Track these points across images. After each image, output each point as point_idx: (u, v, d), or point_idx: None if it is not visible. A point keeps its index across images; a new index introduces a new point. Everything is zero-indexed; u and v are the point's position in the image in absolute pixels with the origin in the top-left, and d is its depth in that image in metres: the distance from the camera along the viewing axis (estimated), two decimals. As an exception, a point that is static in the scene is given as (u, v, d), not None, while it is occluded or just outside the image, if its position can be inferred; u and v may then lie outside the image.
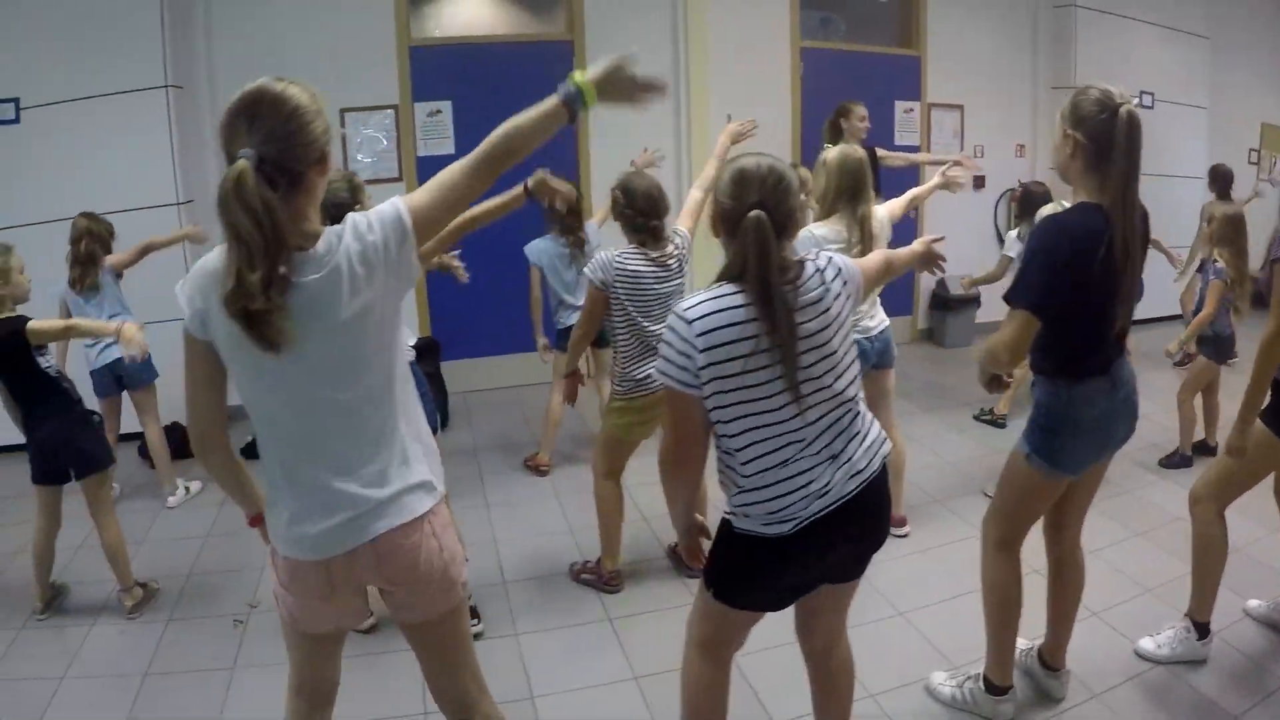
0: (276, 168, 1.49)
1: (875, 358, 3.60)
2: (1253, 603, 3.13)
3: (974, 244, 6.83)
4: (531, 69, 5.72)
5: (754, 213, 1.76)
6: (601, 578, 3.53)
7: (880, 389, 3.67)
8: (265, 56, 5.14)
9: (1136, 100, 2.15)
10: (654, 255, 3.21)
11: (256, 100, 1.52)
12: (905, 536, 3.87)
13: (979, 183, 6.97)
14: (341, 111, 5.47)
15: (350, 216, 1.61)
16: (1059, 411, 2.31)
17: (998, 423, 5.09)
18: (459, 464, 4.81)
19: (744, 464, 1.85)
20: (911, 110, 6.78)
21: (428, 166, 5.64)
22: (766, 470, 1.84)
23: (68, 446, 3.41)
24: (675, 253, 3.27)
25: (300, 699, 2.01)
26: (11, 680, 3.19)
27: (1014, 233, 4.91)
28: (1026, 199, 4.80)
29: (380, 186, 5.59)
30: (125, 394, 4.47)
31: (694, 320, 1.76)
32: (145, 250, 4.40)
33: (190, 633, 3.47)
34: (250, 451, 1.90)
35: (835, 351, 1.85)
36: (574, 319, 4.27)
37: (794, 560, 1.89)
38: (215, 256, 1.57)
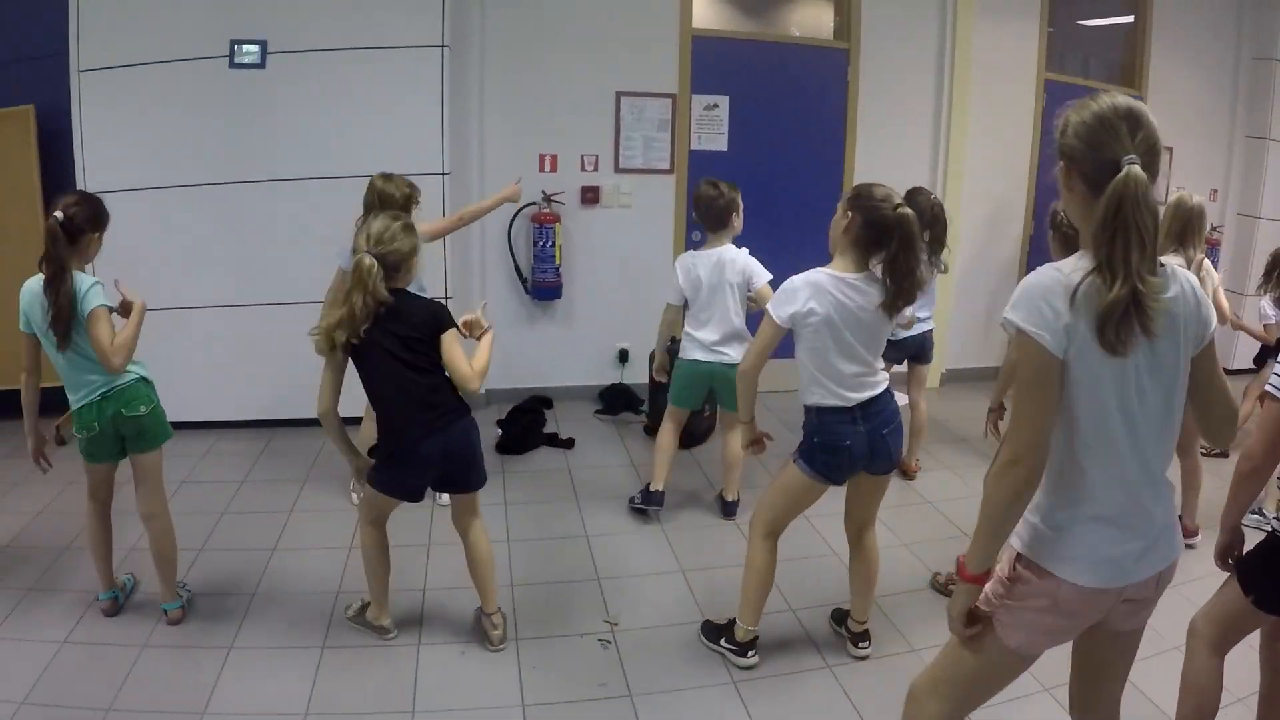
0: (1151, 175, 1.52)
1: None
2: None
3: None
4: (806, 73, 5.47)
5: None
6: None
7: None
8: (541, 25, 4.75)
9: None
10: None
11: (1138, 111, 1.55)
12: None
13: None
14: (618, 94, 5.04)
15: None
16: None
17: None
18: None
19: None
20: (1133, 148, 6.59)
21: (699, 162, 5.24)
22: None
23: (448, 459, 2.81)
24: None
25: None
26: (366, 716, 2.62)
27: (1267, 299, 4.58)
28: None
29: (649, 177, 5.16)
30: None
31: None
32: (461, 220, 3.93)
33: (553, 657, 2.94)
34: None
35: None
36: None
37: None
38: (1051, 273, 1.57)
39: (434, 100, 4.49)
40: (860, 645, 3.00)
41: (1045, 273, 1.58)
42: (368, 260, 2.56)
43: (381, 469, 2.78)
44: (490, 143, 4.81)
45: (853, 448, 2.65)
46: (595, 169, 5.05)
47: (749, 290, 3.65)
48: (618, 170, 5.10)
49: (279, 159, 4.35)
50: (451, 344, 2.68)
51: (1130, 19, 6.75)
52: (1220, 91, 7.17)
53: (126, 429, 2.83)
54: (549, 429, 4.80)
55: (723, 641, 2.97)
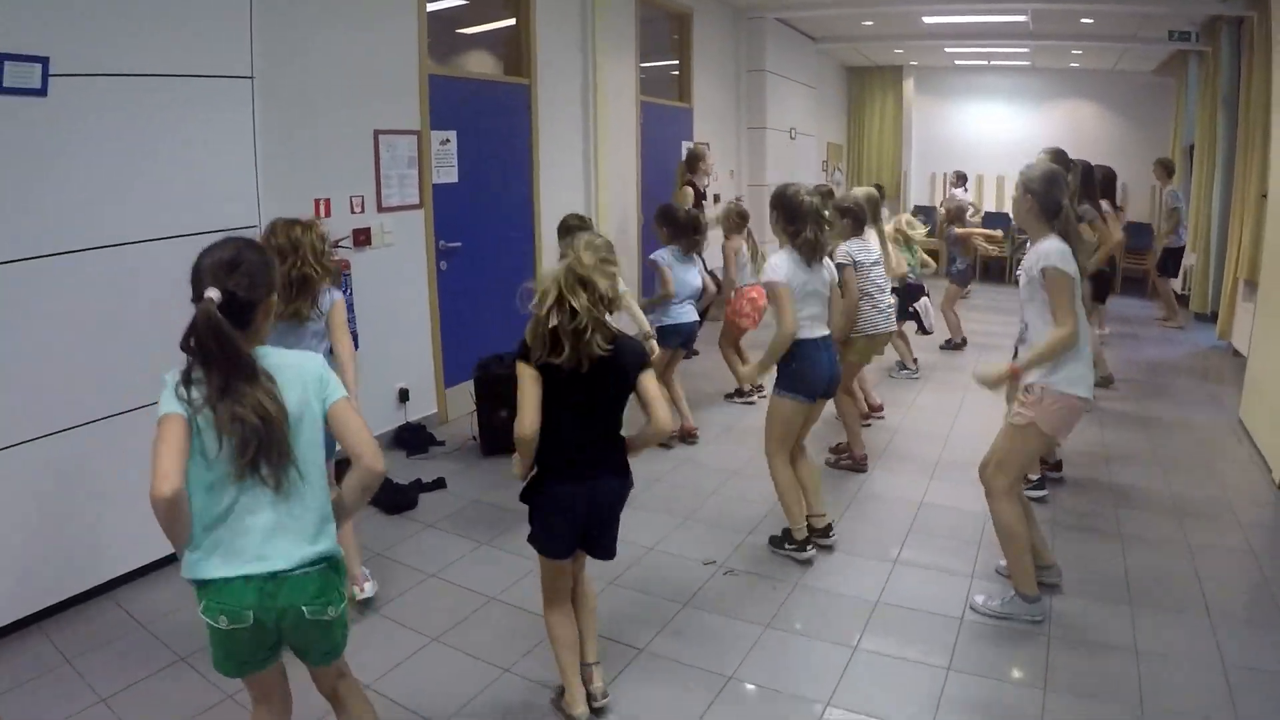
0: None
1: None
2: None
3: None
4: (503, 107, 5.98)
5: None
6: (855, 460, 4.67)
7: None
8: (306, 61, 4.42)
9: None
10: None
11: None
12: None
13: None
14: (375, 133, 4.87)
15: None
16: None
17: None
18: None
19: None
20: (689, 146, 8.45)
21: (440, 194, 5.37)
22: None
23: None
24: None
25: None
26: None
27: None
28: None
29: (405, 214, 5.06)
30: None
31: None
32: None
33: (736, 597, 3.28)
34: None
35: None
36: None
37: None
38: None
39: (244, 141, 3.83)
40: (830, 535, 3.68)
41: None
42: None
43: (536, 520, 2.52)
44: (266, 189, 4.15)
45: (825, 369, 3.54)
46: (362, 210, 4.83)
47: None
48: (380, 209, 4.95)
49: (66, 223, 3.16)
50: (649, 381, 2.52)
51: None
52: (730, 97, 9.60)
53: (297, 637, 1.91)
54: (401, 480, 4.40)
55: (786, 545, 3.61)
